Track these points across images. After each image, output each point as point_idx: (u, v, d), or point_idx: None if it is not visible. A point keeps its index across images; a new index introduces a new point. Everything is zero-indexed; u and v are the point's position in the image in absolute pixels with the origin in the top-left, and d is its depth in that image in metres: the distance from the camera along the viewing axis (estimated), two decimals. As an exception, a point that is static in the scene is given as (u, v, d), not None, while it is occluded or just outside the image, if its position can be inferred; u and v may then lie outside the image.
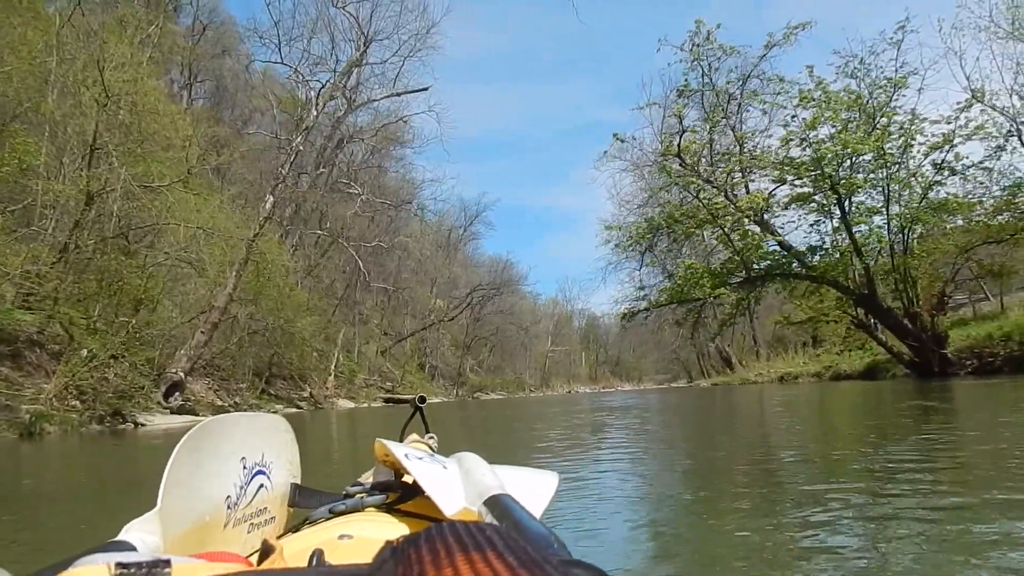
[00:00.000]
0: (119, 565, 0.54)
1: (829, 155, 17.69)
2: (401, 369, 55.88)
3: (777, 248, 19.67)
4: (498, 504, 0.83)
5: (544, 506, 1.14)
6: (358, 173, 48.77)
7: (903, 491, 3.53)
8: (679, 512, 3.70)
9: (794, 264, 19.50)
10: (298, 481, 1.35)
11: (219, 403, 28.48)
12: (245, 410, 28.29)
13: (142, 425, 18.75)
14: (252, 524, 1.12)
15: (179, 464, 0.92)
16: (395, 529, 0.99)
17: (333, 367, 42.99)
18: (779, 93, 18.92)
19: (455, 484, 1.00)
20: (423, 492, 0.98)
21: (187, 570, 0.59)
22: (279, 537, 1.10)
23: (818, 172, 18.12)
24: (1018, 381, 13.12)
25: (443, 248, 73.51)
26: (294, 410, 31.24)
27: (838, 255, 19.78)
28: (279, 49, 40.43)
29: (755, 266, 19.71)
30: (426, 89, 42.18)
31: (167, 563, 0.55)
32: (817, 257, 20.00)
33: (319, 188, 41.97)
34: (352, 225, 47.36)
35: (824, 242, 20.11)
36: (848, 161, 18.19)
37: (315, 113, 28.68)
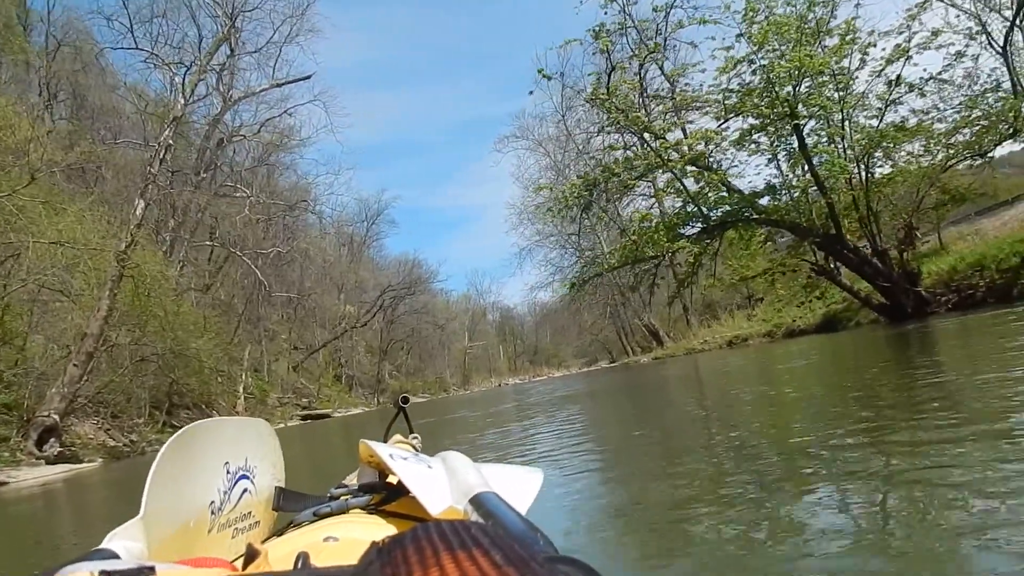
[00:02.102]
0: (103, 573, 0.55)
1: (783, 74, 15.58)
2: (316, 383, 53.68)
3: (725, 194, 17.54)
4: (483, 502, 0.83)
5: (529, 503, 1.17)
6: (244, 175, 44.73)
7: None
8: (662, 500, 3.29)
9: (745, 210, 17.34)
10: (282, 484, 1.34)
11: (111, 443, 24.97)
12: (143, 447, 25.59)
13: (3, 484, 15.36)
14: (237, 529, 1.11)
15: (162, 471, 0.90)
16: (381, 530, 0.97)
17: (241, 389, 39.68)
18: (715, 16, 16.65)
19: (440, 483, 1.00)
20: (408, 492, 0.98)
21: None
22: (264, 541, 1.06)
23: (771, 97, 16.05)
24: (1014, 311, 11.36)
25: (347, 248, 70.45)
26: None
27: (796, 193, 17.77)
28: (131, 32, 36.10)
29: (711, 214, 17.52)
30: (309, 77, 38.70)
31: (151, 570, 0.56)
32: (775, 198, 17.91)
33: (202, 192, 37.75)
34: (246, 235, 44.01)
35: (781, 181, 18.12)
36: (801, 84, 16.17)
37: (183, 101, 24.92)
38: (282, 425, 36.57)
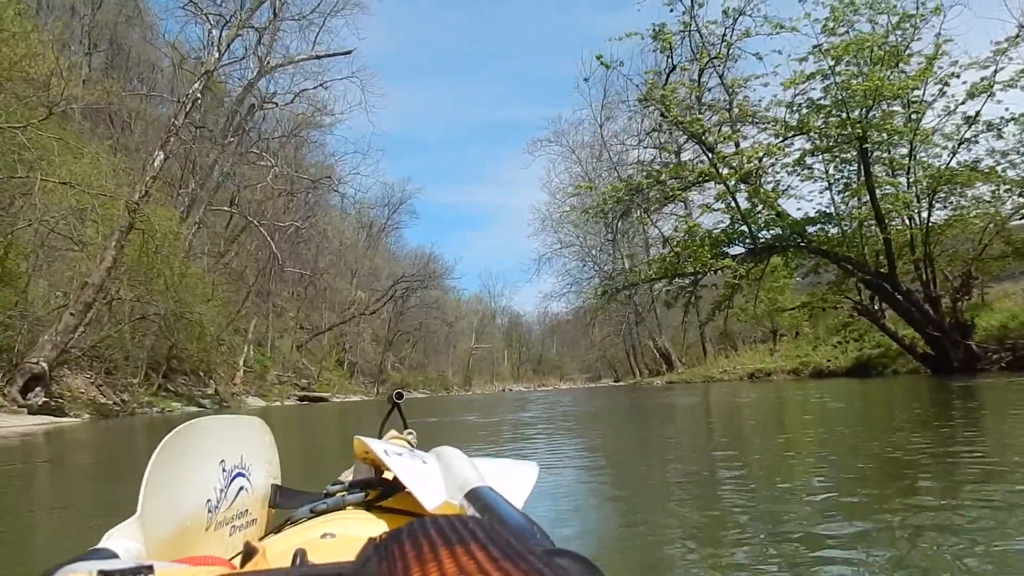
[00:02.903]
0: (102, 573, 0.55)
1: (859, 94, 14.38)
2: (318, 365, 52.84)
3: (775, 217, 16.27)
4: (479, 497, 0.83)
5: (525, 497, 1.16)
6: (271, 144, 43.77)
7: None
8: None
9: (796, 237, 16.07)
10: (278, 482, 1.33)
11: (101, 400, 24.09)
12: (134, 408, 24.71)
13: (-24, 429, 14.42)
14: (234, 527, 1.11)
15: (158, 469, 0.90)
16: (377, 526, 0.96)
17: (242, 362, 38.87)
18: (792, 23, 15.41)
19: (436, 478, 1.01)
20: (404, 488, 0.99)
21: (170, 575, 0.63)
22: (261, 539, 1.07)
23: (841, 117, 14.86)
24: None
25: (366, 233, 69.60)
26: (194, 408, 27.80)
27: (852, 226, 16.53)
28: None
29: (760, 236, 16.35)
30: (350, 52, 37.74)
31: (150, 569, 0.57)
32: (827, 228, 16.67)
33: (227, 155, 36.77)
34: (266, 207, 43.20)
35: (835, 211, 16.87)
36: (873, 108, 14.97)
37: (216, 55, 23.92)
38: (279, 403, 36.39)
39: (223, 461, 1.09)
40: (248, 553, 0.67)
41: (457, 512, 0.84)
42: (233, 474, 1.12)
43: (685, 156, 18.40)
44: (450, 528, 0.45)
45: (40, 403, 18.53)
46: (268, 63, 36.39)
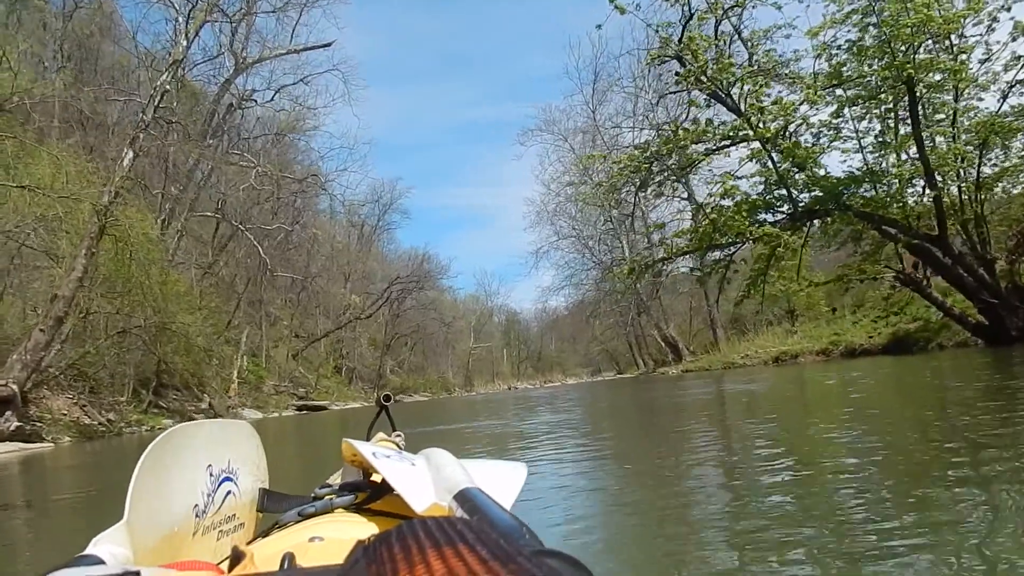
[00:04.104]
0: None
1: (907, 30, 12.69)
2: (315, 373, 51.39)
3: (815, 178, 14.48)
4: (468, 498, 0.82)
5: (514, 498, 1.17)
6: (251, 143, 42.14)
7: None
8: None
9: (838, 199, 14.34)
10: (266, 486, 1.32)
11: (86, 421, 22.47)
12: (121, 428, 23.12)
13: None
14: (221, 531, 1.11)
15: (144, 475, 0.90)
16: (366, 529, 0.96)
17: (235, 374, 37.33)
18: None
19: (424, 480, 1.00)
20: (392, 490, 0.99)
21: None
22: (249, 543, 1.04)
23: (887, 57, 13.22)
24: None
25: (357, 235, 67.96)
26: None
27: (895, 185, 14.88)
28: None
29: (800, 198, 14.68)
30: (330, 44, 36.13)
31: (137, 574, 0.56)
32: (872, 186, 14.94)
33: (199, 149, 35.00)
34: (252, 212, 41.67)
35: (879, 165, 15.19)
36: (919, 48, 13.32)
37: (184, 43, 22.04)
38: (276, 415, 35.35)
39: (210, 466, 1.07)
40: (236, 557, 0.68)
41: (446, 514, 0.82)
42: (220, 478, 1.09)
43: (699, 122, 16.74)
44: (439, 530, 0.45)
45: (12, 428, 16.90)
46: (244, 59, 34.75)
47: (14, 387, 17.15)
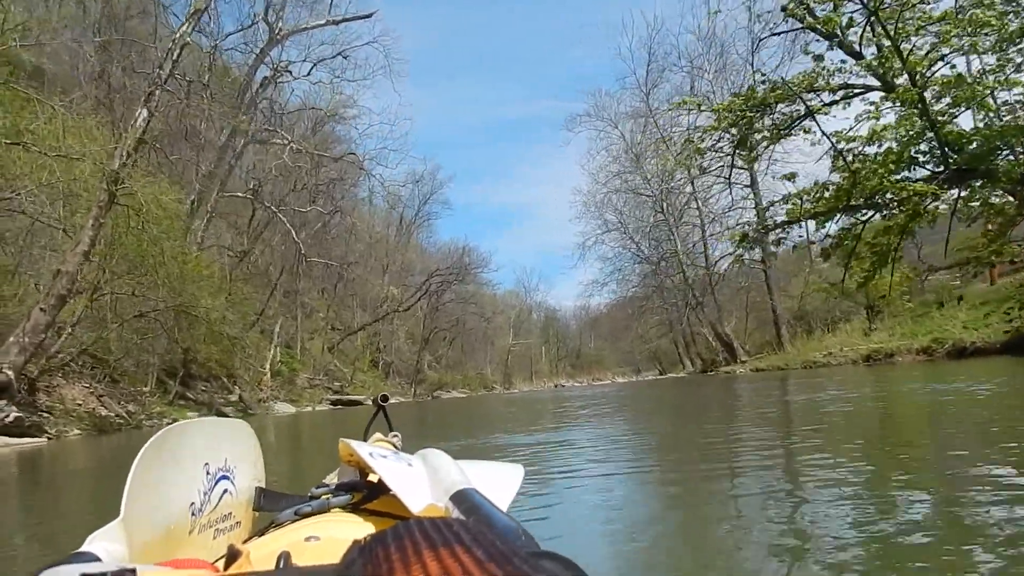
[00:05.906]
0: None
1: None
2: (351, 367, 49.68)
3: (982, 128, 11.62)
4: (464, 499, 0.83)
5: (510, 499, 1.15)
6: (285, 119, 40.13)
7: None
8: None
9: (1002, 153, 11.46)
10: (262, 485, 1.30)
11: (103, 412, 20.39)
12: (141, 420, 21.11)
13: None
14: (217, 530, 1.11)
15: (141, 472, 0.90)
16: (362, 529, 0.95)
17: (268, 365, 35.61)
18: None
19: (421, 481, 1.00)
20: (389, 490, 0.99)
21: None
22: (245, 541, 1.05)
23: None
24: None
25: (397, 220, 65.96)
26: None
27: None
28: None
29: (954, 154, 11.84)
30: (371, 15, 33.85)
31: (133, 572, 0.56)
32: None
33: (239, 137, 33.03)
34: (289, 197, 39.84)
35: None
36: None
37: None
38: (310, 408, 33.79)
39: (207, 464, 1.07)
40: (232, 556, 0.68)
41: (442, 514, 0.82)
42: (217, 477, 1.09)
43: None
44: (435, 530, 0.45)
45: (9, 419, 14.81)
46: (280, 30, 32.63)
47: (9, 373, 15.02)
